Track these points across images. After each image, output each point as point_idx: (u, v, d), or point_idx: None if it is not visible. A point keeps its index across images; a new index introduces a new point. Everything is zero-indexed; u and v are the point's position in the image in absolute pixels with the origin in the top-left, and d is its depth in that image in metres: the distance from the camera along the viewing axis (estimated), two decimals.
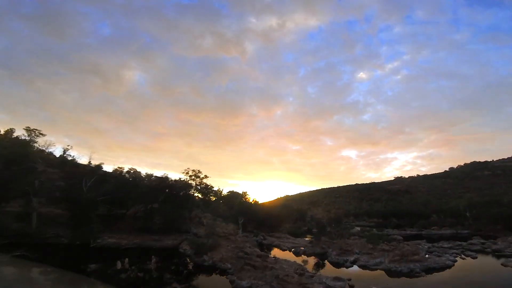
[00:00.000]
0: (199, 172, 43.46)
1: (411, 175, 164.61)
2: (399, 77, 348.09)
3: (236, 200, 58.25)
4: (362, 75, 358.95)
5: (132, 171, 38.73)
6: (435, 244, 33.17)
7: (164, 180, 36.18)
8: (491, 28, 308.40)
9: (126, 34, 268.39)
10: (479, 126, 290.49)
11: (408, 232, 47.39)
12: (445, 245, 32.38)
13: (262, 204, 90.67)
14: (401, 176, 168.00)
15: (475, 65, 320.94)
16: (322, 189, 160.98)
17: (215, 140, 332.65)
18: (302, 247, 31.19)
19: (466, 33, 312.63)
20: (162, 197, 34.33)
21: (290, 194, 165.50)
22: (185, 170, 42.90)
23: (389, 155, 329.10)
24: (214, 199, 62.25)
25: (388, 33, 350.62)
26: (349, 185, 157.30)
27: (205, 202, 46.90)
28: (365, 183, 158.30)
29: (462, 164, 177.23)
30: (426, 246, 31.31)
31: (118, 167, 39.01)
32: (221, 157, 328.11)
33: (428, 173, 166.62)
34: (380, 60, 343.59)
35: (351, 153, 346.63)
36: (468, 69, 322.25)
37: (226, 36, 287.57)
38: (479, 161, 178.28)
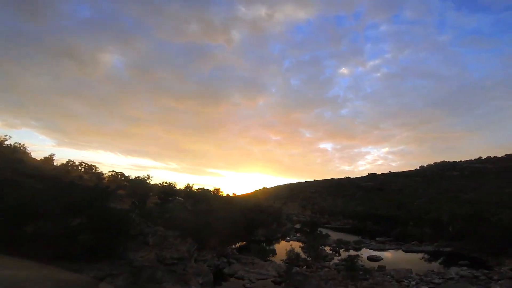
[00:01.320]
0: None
1: (383, 172, 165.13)
2: (379, 74, 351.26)
3: (203, 203, 50.68)
4: (344, 70, 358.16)
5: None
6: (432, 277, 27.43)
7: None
8: (473, 32, 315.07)
9: (106, 17, 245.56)
10: (449, 126, 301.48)
11: (387, 246, 42.52)
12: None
13: (238, 197, 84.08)
14: (375, 173, 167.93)
15: (453, 67, 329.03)
16: (299, 182, 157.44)
17: (195, 128, 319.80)
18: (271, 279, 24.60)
19: (449, 35, 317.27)
20: (92, 208, 25.96)
21: (268, 187, 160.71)
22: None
23: (363, 150, 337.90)
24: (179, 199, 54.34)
25: (374, 31, 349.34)
26: (325, 179, 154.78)
27: (161, 207, 38.77)
28: (340, 178, 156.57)
29: (432, 163, 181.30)
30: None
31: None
32: (201, 145, 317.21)
33: (400, 170, 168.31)
34: (363, 57, 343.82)
35: (328, 146, 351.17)
36: (446, 70, 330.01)
37: (213, 24, 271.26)
38: (448, 161, 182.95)
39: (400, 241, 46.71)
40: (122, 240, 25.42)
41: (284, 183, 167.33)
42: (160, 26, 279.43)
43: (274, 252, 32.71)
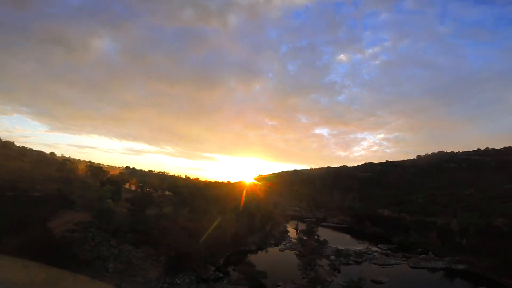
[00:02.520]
0: None
1: (379, 159, 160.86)
2: (377, 62, 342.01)
3: (187, 205, 44.96)
4: (342, 57, 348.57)
5: None
6: None
7: None
8: (475, 24, 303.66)
9: (97, 4, 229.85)
10: (443, 115, 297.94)
11: (392, 259, 37.55)
12: None
13: (232, 191, 78.79)
14: (371, 162, 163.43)
15: (451, 58, 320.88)
16: (295, 170, 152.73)
17: (189, 112, 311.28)
18: None
19: (449, 27, 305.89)
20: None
21: (264, 174, 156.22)
22: None
23: (359, 135, 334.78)
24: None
25: (373, 19, 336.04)
26: (321, 168, 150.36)
27: (134, 217, 32.76)
28: (336, 166, 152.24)
29: (429, 153, 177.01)
30: None
31: None
32: (196, 129, 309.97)
33: (396, 159, 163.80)
34: (361, 44, 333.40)
35: (323, 131, 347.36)
36: (444, 61, 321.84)
37: (209, 9, 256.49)
38: (446, 152, 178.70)
39: (405, 250, 41.94)
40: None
41: (280, 171, 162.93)
42: (153, 11, 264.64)
43: (264, 276, 27.40)
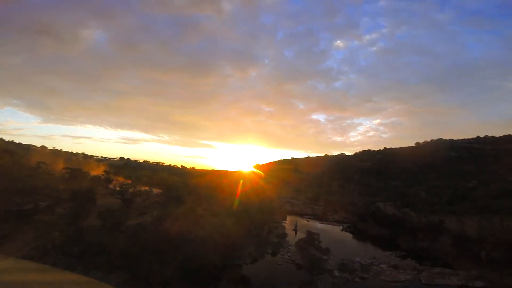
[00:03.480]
0: None
1: (376, 143, 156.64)
2: (374, 48, 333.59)
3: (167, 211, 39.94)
4: (339, 43, 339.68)
5: None
6: None
7: None
8: (475, 12, 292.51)
9: None
10: (440, 101, 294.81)
11: (403, 274, 33.46)
12: None
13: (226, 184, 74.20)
14: (370, 150, 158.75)
15: (450, 45, 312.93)
16: (292, 159, 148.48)
17: (184, 100, 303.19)
18: None
19: (449, 14, 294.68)
20: None
21: (261, 164, 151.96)
22: None
23: (355, 121, 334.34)
24: None
25: (372, 5, 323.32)
26: (319, 156, 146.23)
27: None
28: (334, 154, 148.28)
29: (428, 140, 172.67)
30: None
31: None
32: (192, 117, 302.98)
33: (395, 146, 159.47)
34: (359, 30, 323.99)
35: (320, 117, 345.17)
36: (442, 48, 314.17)
37: None
38: (445, 139, 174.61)
39: (415, 258, 37.89)
40: None
41: (277, 159, 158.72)
42: None
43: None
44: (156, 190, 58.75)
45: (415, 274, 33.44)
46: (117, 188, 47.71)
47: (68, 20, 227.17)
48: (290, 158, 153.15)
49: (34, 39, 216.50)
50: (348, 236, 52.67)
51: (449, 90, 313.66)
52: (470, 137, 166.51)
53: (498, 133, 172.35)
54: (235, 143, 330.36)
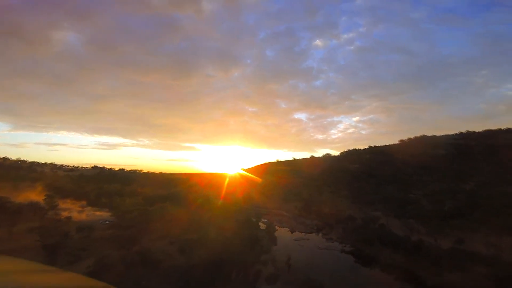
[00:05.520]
0: None
1: (365, 147, 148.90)
2: (352, 47, 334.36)
3: None
4: (318, 42, 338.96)
5: None
6: None
7: None
8: (447, 10, 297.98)
9: None
10: (415, 98, 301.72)
11: None
12: None
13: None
14: (356, 149, 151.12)
15: (424, 43, 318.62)
16: (277, 161, 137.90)
17: (166, 101, 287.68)
18: None
19: (423, 12, 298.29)
20: None
21: (246, 168, 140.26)
22: None
23: (335, 119, 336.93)
24: None
25: (350, 4, 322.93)
26: (305, 158, 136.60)
27: None
28: (320, 155, 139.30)
29: (411, 137, 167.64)
30: None
31: None
32: (174, 119, 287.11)
33: (380, 145, 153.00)
34: (337, 30, 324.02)
35: (302, 116, 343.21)
36: (418, 46, 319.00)
37: None
38: (428, 136, 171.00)
39: None
40: None
41: (262, 162, 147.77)
42: None
43: None
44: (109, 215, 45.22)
45: None
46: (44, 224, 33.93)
47: (39, 22, 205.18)
48: (275, 161, 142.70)
49: (3, 42, 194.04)
50: (354, 265, 41.90)
51: (424, 87, 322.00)
52: (452, 133, 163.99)
53: (471, 127, 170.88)
54: (219, 145, 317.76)
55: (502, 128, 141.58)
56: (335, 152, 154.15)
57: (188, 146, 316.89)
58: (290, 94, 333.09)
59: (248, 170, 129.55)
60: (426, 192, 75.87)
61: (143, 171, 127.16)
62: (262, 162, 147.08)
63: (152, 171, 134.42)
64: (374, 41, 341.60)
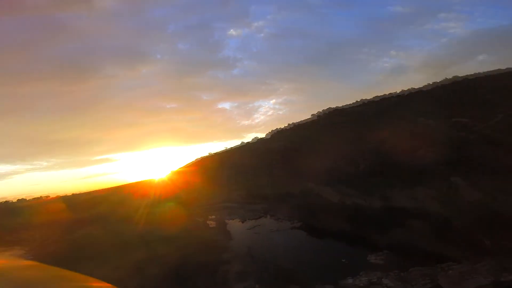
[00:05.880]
0: None
1: (285, 126, 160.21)
2: (262, 35, 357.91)
3: None
4: (232, 32, 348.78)
5: None
6: None
7: None
8: None
9: None
10: (319, 77, 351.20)
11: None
12: None
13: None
14: (278, 128, 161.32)
15: (322, 26, 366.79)
16: (210, 154, 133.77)
17: (59, 112, 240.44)
18: None
19: None
20: None
21: (177, 168, 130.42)
22: None
23: (256, 104, 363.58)
24: None
25: None
26: (236, 146, 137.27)
27: None
28: (250, 140, 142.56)
29: (320, 110, 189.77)
30: None
31: None
32: (74, 130, 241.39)
33: (296, 121, 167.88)
34: (248, 18, 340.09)
35: (226, 105, 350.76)
36: (317, 30, 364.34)
37: None
38: (332, 107, 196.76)
39: (407, 257, 31.63)
40: None
41: (194, 159, 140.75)
42: None
43: None
44: None
45: (428, 281, 27.13)
46: None
47: None
48: (208, 154, 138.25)
49: None
50: (309, 237, 45.14)
51: (323, 66, 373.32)
52: (350, 102, 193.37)
53: (363, 96, 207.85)
54: (141, 150, 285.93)
55: (386, 94, 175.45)
56: (262, 135, 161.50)
57: (102, 159, 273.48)
58: (211, 85, 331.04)
59: (181, 170, 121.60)
60: (345, 156, 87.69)
61: (49, 197, 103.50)
62: (194, 159, 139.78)
63: (63, 194, 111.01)
64: (281, 28, 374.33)
